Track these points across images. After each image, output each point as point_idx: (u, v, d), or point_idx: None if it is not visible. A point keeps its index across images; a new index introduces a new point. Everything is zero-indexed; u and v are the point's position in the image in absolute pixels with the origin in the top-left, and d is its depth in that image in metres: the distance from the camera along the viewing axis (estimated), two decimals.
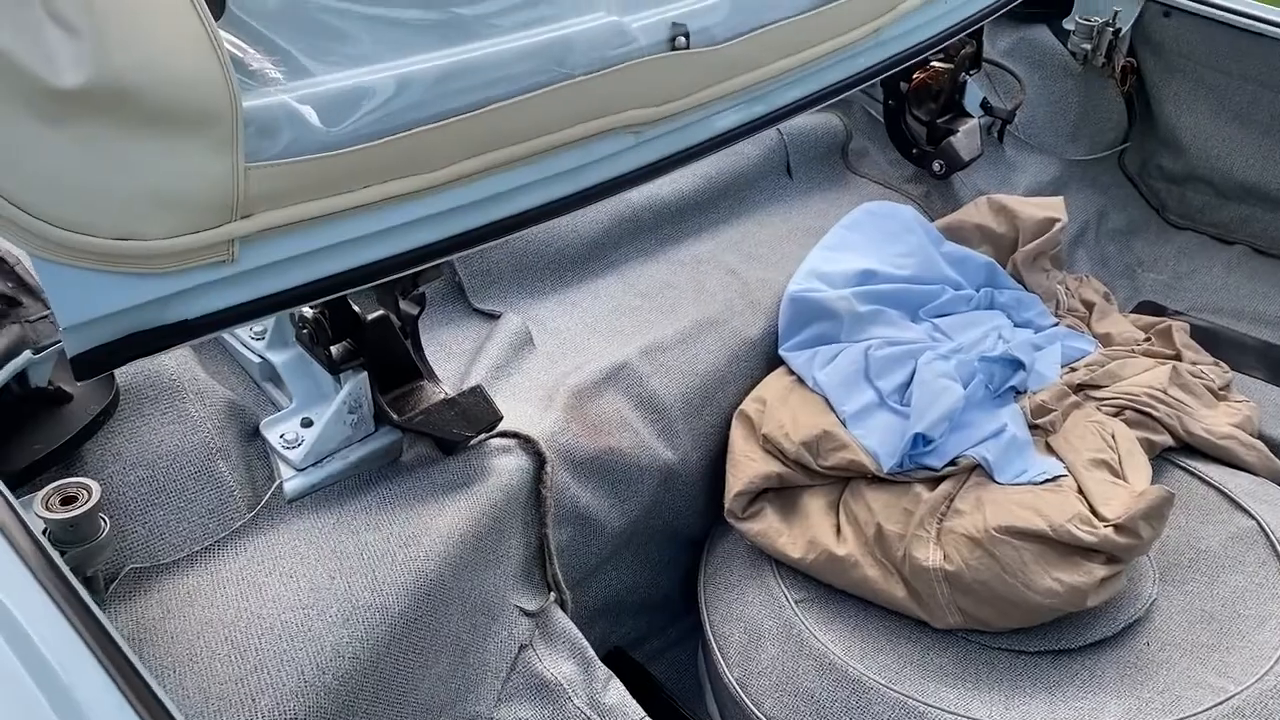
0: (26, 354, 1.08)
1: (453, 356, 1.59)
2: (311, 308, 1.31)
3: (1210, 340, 1.95)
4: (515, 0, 1.21)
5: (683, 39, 1.30)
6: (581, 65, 1.19)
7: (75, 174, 0.90)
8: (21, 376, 1.10)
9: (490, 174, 1.16)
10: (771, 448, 1.56)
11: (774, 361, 1.73)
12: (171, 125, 0.92)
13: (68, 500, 1.01)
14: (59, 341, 1.11)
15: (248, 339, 1.40)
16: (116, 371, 1.22)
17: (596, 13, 1.24)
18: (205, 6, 0.93)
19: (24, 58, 0.84)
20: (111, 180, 0.92)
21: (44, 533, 0.98)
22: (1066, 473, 1.51)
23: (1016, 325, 1.86)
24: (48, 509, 1.00)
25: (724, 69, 1.33)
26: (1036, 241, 1.92)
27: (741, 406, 1.64)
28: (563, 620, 1.39)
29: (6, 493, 0.95)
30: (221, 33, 0.95)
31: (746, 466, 1.55)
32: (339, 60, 1.08)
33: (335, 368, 1.28)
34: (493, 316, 1.67)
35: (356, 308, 1.29)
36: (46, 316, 1.13)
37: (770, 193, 2.04)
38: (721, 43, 1.32)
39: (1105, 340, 1.88)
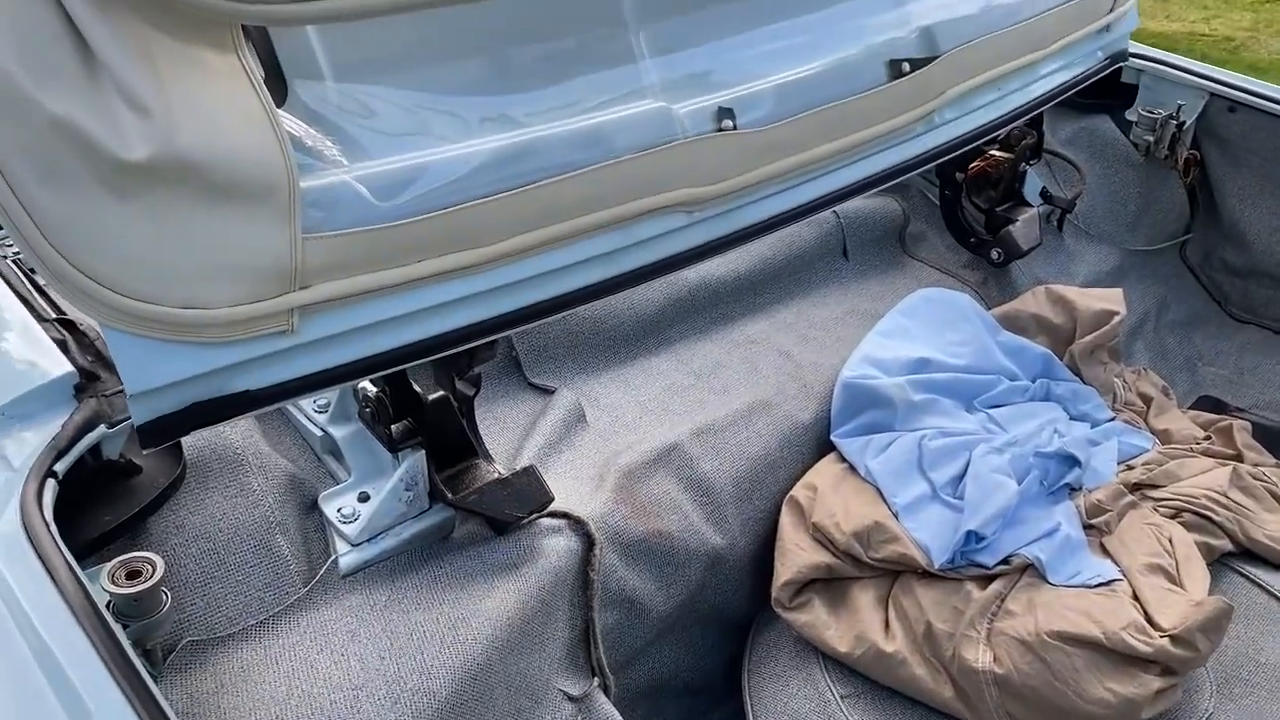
0: (101, 428, 1.11)
1: (507, 430, 1.61)
2: (374, 384, 1.34)
3: (1273, 441, 1.91)
4: (565, 90, 1.25)
5: (729, 122, 1.32)
6: (630, 147, 1.22)
7: (142, 245, 0.95)
8: (95, 449, 1.13)
9: (542, 250, 1.19)
10: (821, 537, 1.55)
11: (826, 446, 1.72)
12: (233, 198, 0.97)
13: (133, 574, 1.04)
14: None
15: (311, 411, 1.43)
16: (184, 442, 1.26)
17: (644, 100, 1.28)
18: (265, 88, 0.97)
19: (97, 133, 0.89)
20: (176, 251, 0.97)
21: (108, 606, 1.01)
22: (1121, 577, 1.48)
23: (1073, 418, 1.84)
24: (114, 583, 1.03)
25: (770, 150, 1.36)
26: (1094, 334, 1.91)
27: (792, 492, 1.63)
28: (605, 706, 1.39)
29: (74, 564, 0.97)
30: (281, 113, 0.99)
31: (795, 555, 1.54)
32: (393, 139, 1.12)
33: (395, 446, 1.30)
34: (547, 391, 1.69)
35: (417, 387, 1.31)
36: (121, 391, 1.16)
37: (826, 274, 2.05)
38: (767, 125, 1.35)
39: (1164, 437, 1.85)
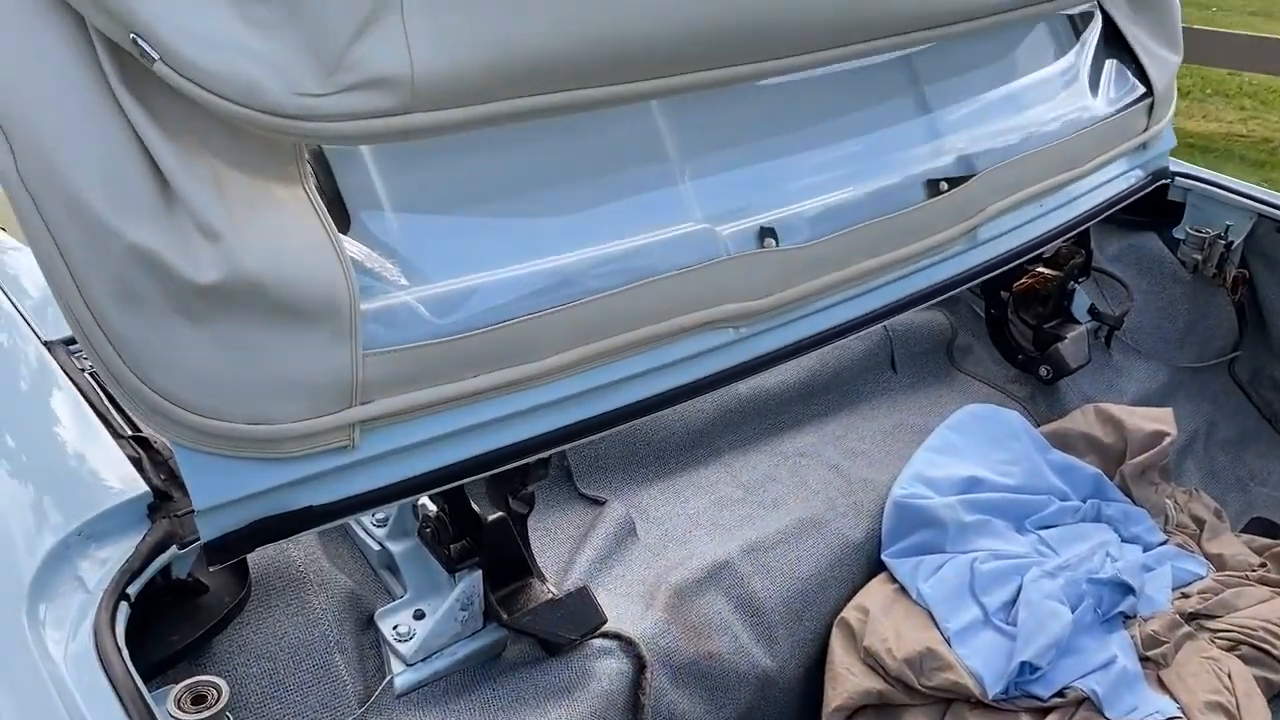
0: (173, 549, 1.14)
1: (558, 542, 1.62)
2: (433, 502, 1.36)
3: None
4: (612, 213, 1.30)
5: (771, 240, 1.37)
6: (675, 266, 1.27)
7: (211, 363, 0.99)
8: (165, 568, 1.15)
9: (593, 365, 1.22)
10: (872, 662, 1.54)
11: (876, 566, 1.72)
12: (297, 318, 1.01)
13: (198, 699, 1.05)
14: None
15: (369, 525, 1.45)
16: (249, 559, 1.28)
17: (688, 222, 1.32)
18: (329, 215, 1.03)
19: (171, 259, 0.94)
20: (243, 368, 1.01)
21: None
22: (1180, 714, 1.46)
23: (1124, 541, 1.82)
24: (179, 708, 1.04)
25: (814, 266, 1.39)
26: (1145, 455, 1.90)
27: (843, 614, 1.62)
28: None
29: (143, 689, 0.99)
30: (344, 237, 1.05)
31: (846, 681, 1.53)
32: (449, 260, 1.17)
33: (453, 566, 1.31)
34: (598, 502, 1.70)
35: (476, 507, 1.33)
36: (192, 511, 1.19)
37: (874, 386, 2.06)
38: (809, 242, 1.39)
39: (1218, 563, 1.83)
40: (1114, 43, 1.95)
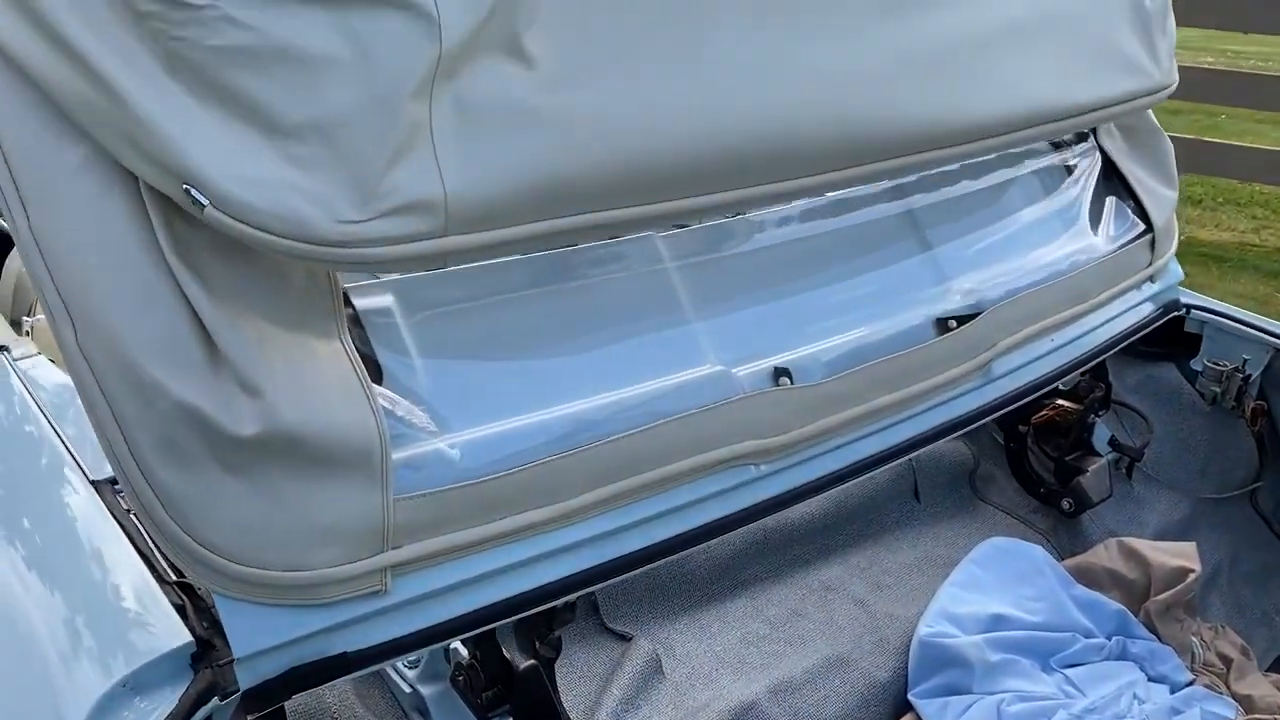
0: (214, 700, 1.15)
1: (585, 680, 1.63)
2: (464, 645, 1.38)
3: None
4: (630, 359, 1.36)
5: (786, 380, 1.42)
6: (693, 406, 1.32)
7: (249, 513, 1.04)
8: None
9: (617, 505, 1.26)
10: None
11: (903, 705, 1.72)
12: (331, 466, 1.06)
13: None
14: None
15: (401, 666, 1.47)
16: (286, 708, 1.29)
17: (704, 365, 1.39)
18: (363, 367, 1.09)
19: (214, 413, 1.00)
20: (280, 517, 1.05)
21: None
22: None
23: (1151, 680, 1.82)
24: None
25: (829, 403, 1.44)
26: (1169, 593, 1.90)
27: None
28: None
29: None
30: (377, 388, 1.10)
31: None
32: (476, 405, 1.24)
33: (484, 714, 1.33)
34: (624, 638, 1.71)
35: (508, 654, 1.35)
36: (233, 660, 1.21)
37: (898, 517, 2.08)
38: (823, 380, 1.44)
39: (1246, 704, 1.82)
40: (1112, 180, 2.03)
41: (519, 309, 1.33)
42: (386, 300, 1.26)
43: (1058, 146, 2.04)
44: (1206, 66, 10.29)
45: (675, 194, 1.13)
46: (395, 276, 1.28)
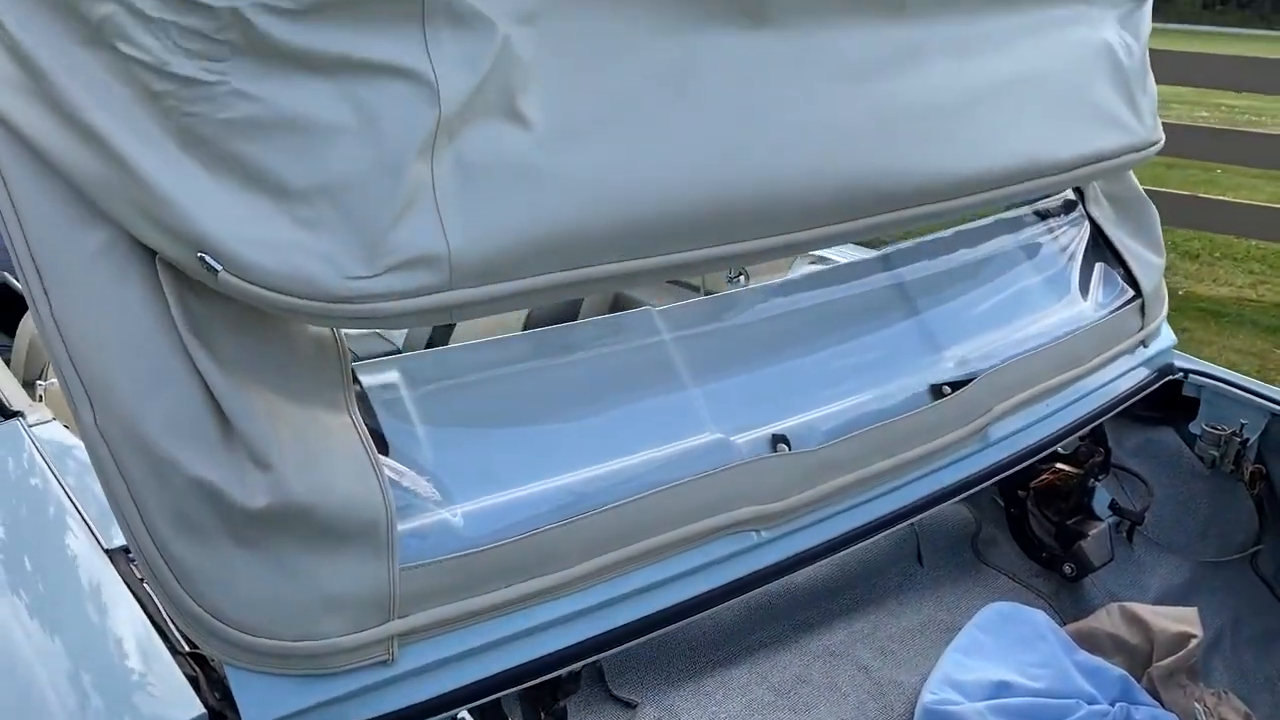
0: None
1: None
2: (470, 715, 1.39)
3: None
4: (630, 428, 1.40)
5: (784, 446, 1.46)
6: (691, 472, 1.36)
7: (260, 584, 1.07)
8: None
9: (620, 572, 1.29)
10: None
11: None
12: (338, 538, 1.09)
13: None
14: None
15: None
16: None
17: (704, 433, 1.42)
18: (371, 441, 1.12)
19: (226, 488, 1.03)
20: (290, 587, 1.08)
21: None
22: None
23: None
24: None
25: (828, 469, 1.48)
26: (1172, 659, 1.91)
27: None
28: None
29: None
30: (381, 459, 1.14)
31: None
32: (479, 475, 1.27)
33: None
34: (629, 705, 1.72)
35: None
36: None
37: (901, 581, 2.10)
38: (820, 445, 1.47)
39: None
40: (1100, 248, 2.08)
41: (519, 382, 1.38)
42: (392, 375, 1.31)
43: (1046, 215, 2.09)
44: (1201, 124, 10.45)
45: (671, 248, 1.16)
46: (402, 355, 1.32)
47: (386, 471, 1.14)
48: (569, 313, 2.91)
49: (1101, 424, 1.99)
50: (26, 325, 2.21)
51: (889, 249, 1.96)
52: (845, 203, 1.31)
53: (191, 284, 1.06)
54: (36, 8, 1.06)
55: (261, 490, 1.05)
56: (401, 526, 1.13)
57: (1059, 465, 2.13)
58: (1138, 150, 1.80)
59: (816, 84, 1.29)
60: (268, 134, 0.96)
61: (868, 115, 1.33)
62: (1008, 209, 2.09)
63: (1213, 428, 2.26)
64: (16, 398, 1.76)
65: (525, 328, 2.75)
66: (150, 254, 1.05)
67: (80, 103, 1.01)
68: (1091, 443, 2.12)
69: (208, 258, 0.96)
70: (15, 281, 2.75)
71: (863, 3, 1.35)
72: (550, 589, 1.23)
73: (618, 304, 3.05)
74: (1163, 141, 1.89)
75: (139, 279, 1.05)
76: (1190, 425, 2.31)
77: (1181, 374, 2.21)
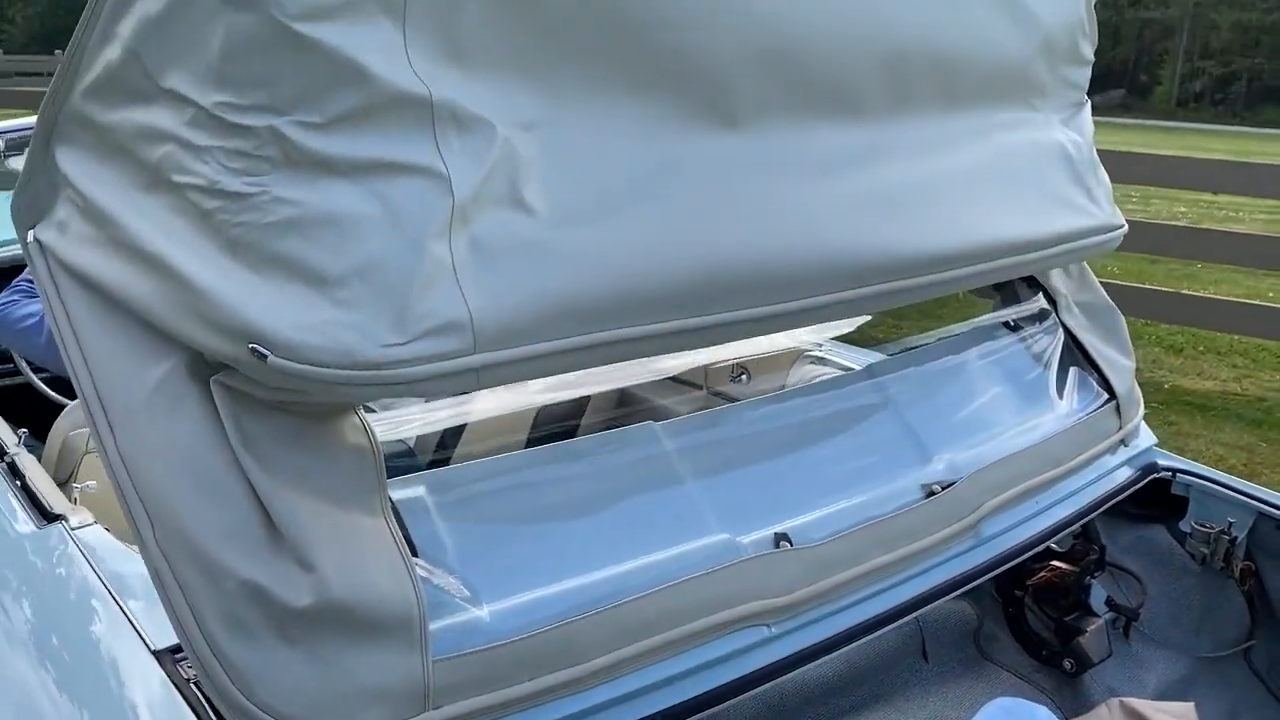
0: None
1: None
2: None
3: None
4: (636, 532, 1.50)
5: (786, 544, 1.55)
6: (701, 568, 1.45)
7: (304, 678, 1.15)
8: None
9: (637, 666, 1.37)
10: None
11: None
12: (375, 633, 1.18)
13: None
14: None
15: None
16: None
17: (709, 532, 1.53)
18: (404, 544, 1.22)
19: (274, 589, 1.13)
20: (331, 680, 1.16)
21: None
22: None
23: None
24: None
25: (830, 564, 1.57)
26: None
27: None
28: None
29: None
30: (414, 559, 1.24)
31: None
32: (500, 574, 1.38)
33: None
34: None
35: None
36: None
37: (907, 677, 2.16)
38: (821, 541, 1.58)
39: None
40: (1074, 353, 2.22)
41: (536, 491, 1.49)
42: (420, 485, 1.42)
43: (1022, 324, 2.23)
44: (1181, 219, 10.74)
45: (672, 315, 1.29)
46: (433, 471, 1.44)
47: (418, 570, 1.24)
48: (574, 412, 3.03)
49: (1094, 522, 2.08)
50: (59, 428, 2.29)
51: (876, 361, 2.09)
52: (826, 277, 1.44)
53: (244, 403, 1.18)
54: (102, 163, 1.23)
55: (305, 590, 1.15)
56: (433, 623, 1.22)
57: (1055, 563, 2.21)
58: (1101, 233, 1.95)
59: (787, 177, 1.44)
60: (306, 231, 1.09)
61: (838, 202, 1.48)
62: (1000, 285, 2.24)
63: (1202, 525, 2.36)
64: (56, 501, 1.83)
65: (532, 428, 2.86)
66: (204, 381, 1.18)
67: (144, 236, 1.16)
68: (1086, 540, 2.21)
69: (258, 347, 1.08)
70: (44, 388, 2.86)
71: (822, 110, 1.50)
72: (574, 681, 1.31)
73: (622, 400, 3.16)
74: (1125, 227, 2.05)
75: (195, 406, 1.18)
76: (1180, 523, 2.40)
77: (1170, 473, 2.31)
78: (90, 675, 1.49)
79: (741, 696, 1.46)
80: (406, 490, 1.38)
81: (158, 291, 1.17)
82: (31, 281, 2.51)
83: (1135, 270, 8.84)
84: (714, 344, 1.44)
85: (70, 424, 2.25)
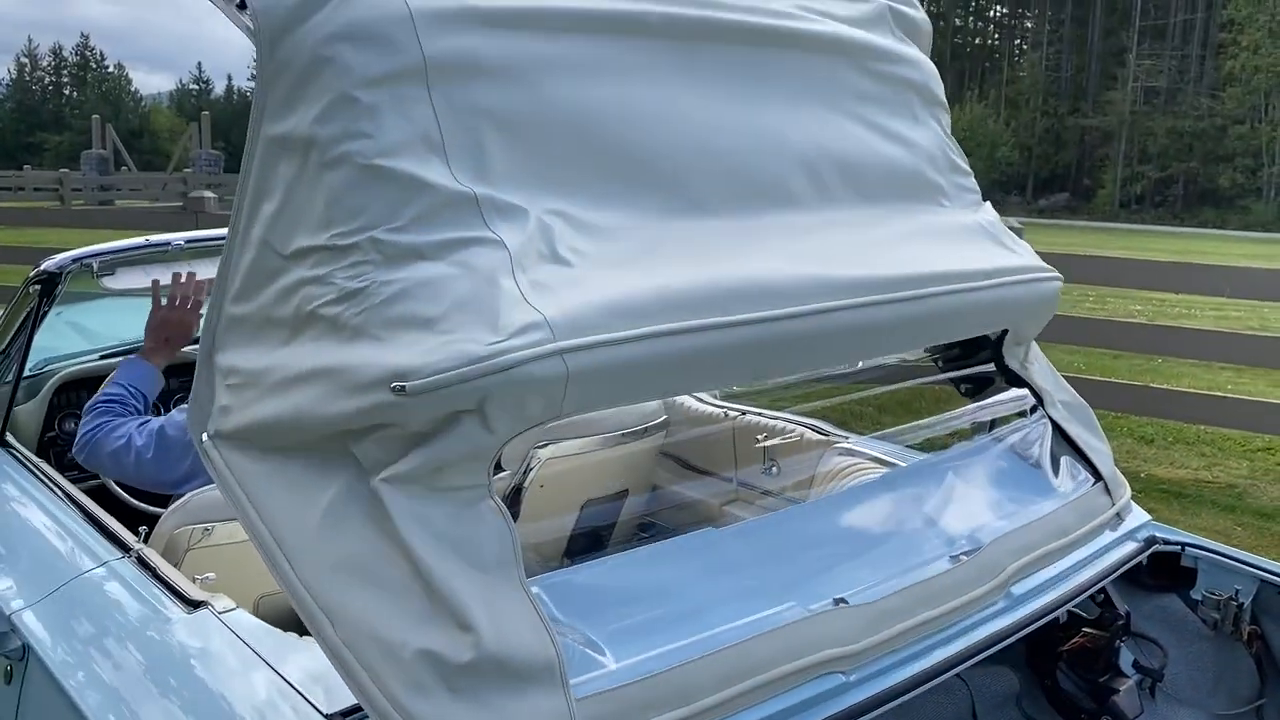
0: None
1: None
2: None
3: None
4: (716, 603, 1.78)
5: (844, 604, 1.82)
6: (781, 623, 1.74)
7: (463, 717, 1.39)
8: None
9: (743, 705, 1.61)
10: None
11: None
12: (525, 679, 1.42)
13: None
14: None
15: None
16: None
17: (780, 600, 1.81)
18: (540, 607, 1.48)
19: (443, 651, 1.39)
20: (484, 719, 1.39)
21: None
22: None
23: None
24: None
25: (886, 617, 1.83)
26: None
27: None
28: None
29: None
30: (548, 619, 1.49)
31: None
32: (620, 627, 1.66)
33: None
34: None
35: None
36: None
37: None
38: (875, 600, 1.85)
39: None
40: (1061, 442, 2.54)
41: (632, 574, 1.83)
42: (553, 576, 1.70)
43: (1010, 421, 2.56)
44: (1138, 317, 11.25)
45: (694, 316, 1.62)
46: (562, 570, 1.75)
47: (553, 626, 1.49)
48: (613, 511, 3.30)
49: (1114, 592, 2.34)
50: (164, 528, 2.47)
51: (897, 470, 2.53)
52: (801, 291, 1.79)
53: (406, 492, 1.46)
54: (252, 340, 1.60)
55: (467, 648, 1.40)
56: (570, 670, 1.46)
57: (1088, 629, 2.45)
58: (1035, 272, 2.34)
59: (759, 242, 1.85)
60: (409, 296, 1.46)
61: (806, 251, 1.88)
62: (986, 383, 2.58)
63: (1211, 594, 2.62)
64: (190, 589, 2.03)
65: (576, 525, 3.13)
66: (360, 498, 1.48)
67: (292, 365, 1.52)
68: (1112, 608, 2.46)
69: (398, 384, 1.39)
70: (123, 494, 3.06)
71: (765, 200, 1.93)
72: (691, 717, 1.54)
73: (656, 496, 3.41)
74: (1060, 278, 2.43)
75: (356, 520, 1.47)
76: (1191, 592, 2.66)
77: (1179, 546, 2.58)
78: None
79: None
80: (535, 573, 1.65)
81: (311, 396, 1.49)
82: (109, 401, 2.76)
83: (1101, 366, 9.27)
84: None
85: (172, 525, 2.45)
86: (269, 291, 1.55)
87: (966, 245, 2.26)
